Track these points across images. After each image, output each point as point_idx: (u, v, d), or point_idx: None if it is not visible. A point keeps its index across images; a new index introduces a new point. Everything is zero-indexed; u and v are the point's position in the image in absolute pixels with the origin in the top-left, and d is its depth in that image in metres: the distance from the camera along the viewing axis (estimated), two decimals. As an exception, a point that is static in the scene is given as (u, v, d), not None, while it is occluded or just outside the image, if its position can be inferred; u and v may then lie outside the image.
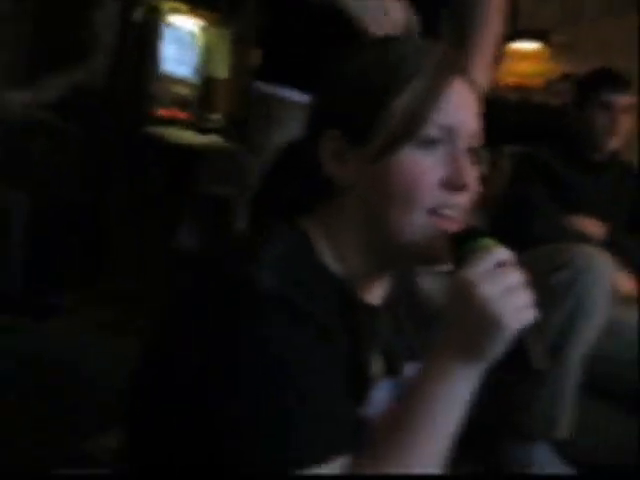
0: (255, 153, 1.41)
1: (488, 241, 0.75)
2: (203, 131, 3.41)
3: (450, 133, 0.78)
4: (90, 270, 3.01)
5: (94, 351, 2.36)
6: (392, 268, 0.85)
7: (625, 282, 1.98)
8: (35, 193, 2.76)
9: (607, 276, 1.73)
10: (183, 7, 3.35)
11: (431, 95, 0.77)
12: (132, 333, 2.50)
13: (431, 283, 1.18)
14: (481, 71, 1.40)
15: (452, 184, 0.77)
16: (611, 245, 1.97)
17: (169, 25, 3.31)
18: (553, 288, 1.71)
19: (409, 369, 0.88)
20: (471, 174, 0.79)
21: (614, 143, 2.13)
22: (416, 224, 0.77)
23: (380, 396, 0.85)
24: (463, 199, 0.79)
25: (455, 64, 0.81)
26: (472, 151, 0.80)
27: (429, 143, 0.77)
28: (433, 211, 0.77)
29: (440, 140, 0.77)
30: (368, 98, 0.78)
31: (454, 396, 0.72)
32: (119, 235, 3.12)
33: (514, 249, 1.74)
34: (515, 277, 0.72)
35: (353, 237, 0.80)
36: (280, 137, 1.21)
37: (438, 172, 0.77)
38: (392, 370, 0.87)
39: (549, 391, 1.72)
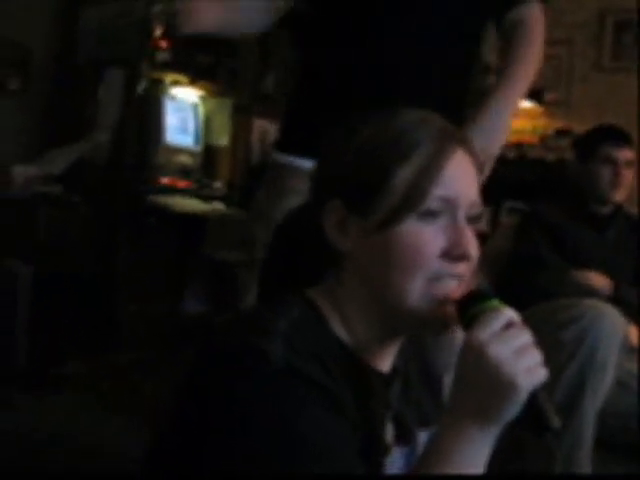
0: (262, 221, 1.44)
1: (494, 303, 0.76)
2: (205, 198, 3.45)
3: (450, 204, 0.79)
4: (96, 341, 3.00)
5: (99, 424, 2.33)
6: (398, 335, 0.86)
7: (635, 335, 1.98)
8: (40, 264, 2.78)
9: (617, 330, 1.74)
10: (184, 79, 3.44)
11: (432, 170, 0.78)
12: (139, 404, 2.49)
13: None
14: (515, 93, 1.42)
15: (452, 254, 0.78)
16: (617, 299, 1.98)
17: (171, 97, 3.39)
18: (564, 343, 1.71)
19: (422, 436, 0.88)
20: (471, 243, 0.80)
21: (618, 196, 2.18)
22: (418, 292, 0.78)
23: (394, 464, 0.84)
24: (463, 268, 0.79)
25: (454, 135, 0.82)
26: (471, 219, 0.81)
27: (429, 215, 0.78)
28: (434, 280, 0.78)
29: (441, 211, 0.79)
30: (369, 171, 0.80)
31: (470, 459, 0.72)
32: (124, 303, 3.12)
33: (522, 305, 1.75)
34: (524, 337, 0.72)
35: (358, 306, 0.81)
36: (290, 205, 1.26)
37: (439, 242, 0.78)
38: (405, 437, 0.87)
39: (568, 448, 1.70)
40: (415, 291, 0.78)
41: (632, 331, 1.99)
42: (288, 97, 1.58)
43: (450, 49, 1.44)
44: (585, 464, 1.72)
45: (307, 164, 1.35)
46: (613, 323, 1.73)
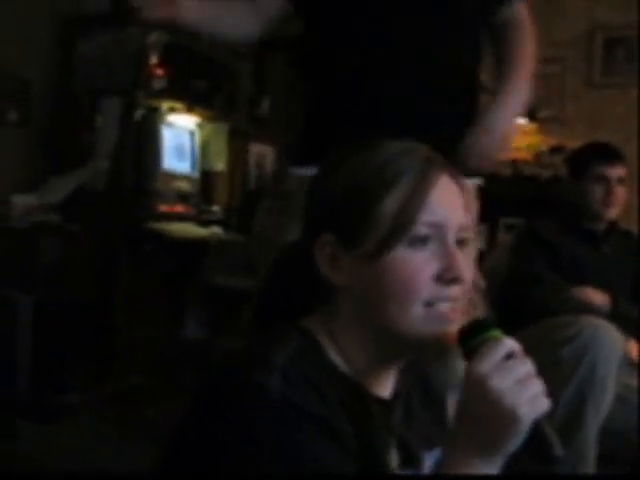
0: (266, 242, 1.45)
1: (495, 333, 0.76)
2: (204, 223, 3.47)
3: (438, 229, 0.80)
4: (97, 368, 2.99)
5: (101, 451, 2.32)
6: (395, 362, 0.86)
7: (635, 350, 1.99)
8: (41, 293, 2.78)
9: (616, 346, 1.74)
10: (180, 106, 3.47)
11: (417, 196, 0.80)
12: (139, 432, 2.49)
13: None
14: (518, 89, 1.47)
15: (445, 278, 0.79)
16: (616, 315, 1.98)
17: (167, 124, 3.42)
18: (563, 361, 1.72)
19: (427, 459, 0.88)
20: (463, 266, 0.80)
21: (611, 213, 2.19)
22: (415, 317, 0.79)
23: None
24: (457, 291, 0.80)
25: (439, 162, 0.84)
26: (462, 242, 0.82)
27: (419, 241, 0.79)
28: (429, 304, 0.79)
29: (430, 236, 0.80)
30: (357, 203, 0.81)
31: None
32: (125, 330, 3.12)
33: (520, 322, 1.74)
34: (525, 367, 0.73)
35: (355, 335, 0.82)
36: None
37: (431, 267, 0.79)
38: (409, 461, 0.87)
39: (570, 466, 1.70)
40: (412, 317, 0.79)
41: (632, 346, 1.99)
42: (304, 113, 1.58)
43: (454, 63, 1.47)
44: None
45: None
46: (612, 340, 1.74)
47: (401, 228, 0.79)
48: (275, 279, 0.90)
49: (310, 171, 1.40)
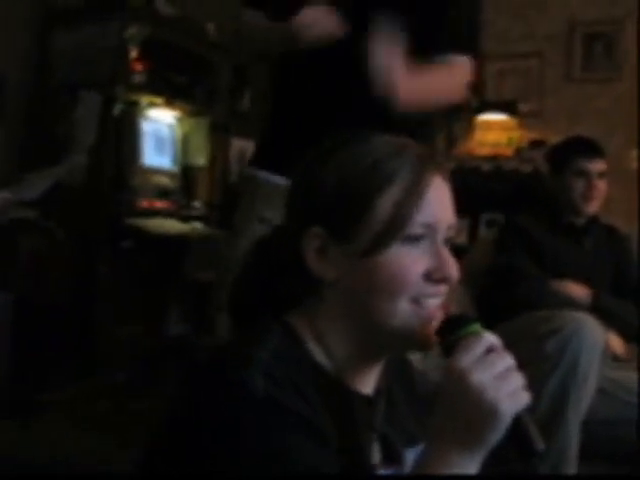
0: (239, 235, 1.46)
1: (475, 327, 0.76)
2: (185, 219, 3.44)
3: (431, 229, 0.80)
4: (78, 365, 2.97)
5: (81, 448, 2.31)
6: (380, 357, 0.86)
7: (616, 344, 2.00)
8: (20, 290, 2.75)
9: (597, 340, 1.75)
10: (160, 100, 3.44)
11: (414, 197, 0.80)
12: (121, 429, 2.47)
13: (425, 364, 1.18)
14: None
15: (435, 277, 0.80)
16: (597, 308, 2.00)
17: (147, 118, 3.39)
18: (545, 355, 1.73)
19: (409, 455, 0.88)
20: (452, 265, 0.81)
21: (592, 207, 2.20)
22: (399, 313, 0.79)
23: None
24: (444, 289, 0.81)
25: (432, 161, 0.83)
26: (449, 240, 0.83)
27: (412, 240, 0.80)
28: (415, 300, 0.79)
29: (422, 236, 0.80)
30: (350, 199, 0.80)
31: None
32: (106, 327, 3.10)
33: (503, 316, 1.75)
34: (506, 361, 0.73)
35: (338, 330, 0.82)
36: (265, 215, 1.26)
37: (421, 265, 0.80)
38: (391, 458, 0.87)
39: (553, 459, 1.70)
40: (399, 312, 0.79)
41: (613, 339, 2.01)
42: (266, 115, 1.61)
43: None
44: (571, 473, 1.73)
45: (283, 181, 1.38)
46: (593, 333, 1.75)
47: (397, 228, 0.79)
48: (257, 269, 0.88)
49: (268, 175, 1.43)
